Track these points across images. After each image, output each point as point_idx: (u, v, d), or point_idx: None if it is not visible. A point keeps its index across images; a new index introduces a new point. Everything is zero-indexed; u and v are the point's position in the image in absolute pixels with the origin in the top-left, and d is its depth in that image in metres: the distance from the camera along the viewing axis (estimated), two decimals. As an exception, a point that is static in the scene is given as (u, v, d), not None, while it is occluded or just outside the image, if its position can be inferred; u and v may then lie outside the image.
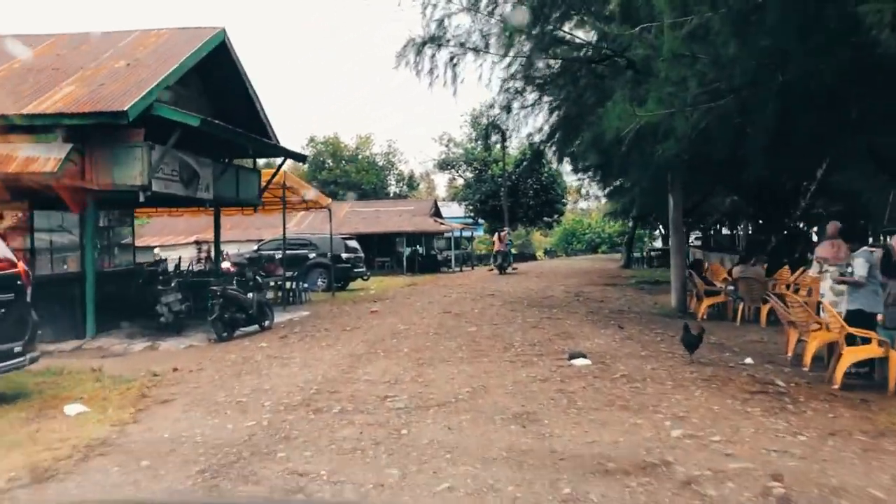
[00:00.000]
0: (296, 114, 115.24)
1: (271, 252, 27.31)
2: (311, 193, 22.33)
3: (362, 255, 28.18)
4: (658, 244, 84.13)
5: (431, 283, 26.22)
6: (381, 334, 11.92)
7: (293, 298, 20.17)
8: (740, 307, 13.59)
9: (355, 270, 26.94)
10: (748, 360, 9.12)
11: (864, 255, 8.37)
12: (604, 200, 56.58)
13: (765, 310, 13.19)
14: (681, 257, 15.35)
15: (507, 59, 14.53)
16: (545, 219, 56.46)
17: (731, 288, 14.23)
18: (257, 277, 13.73)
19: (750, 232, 27.47)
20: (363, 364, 9.16)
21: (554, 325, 12.58)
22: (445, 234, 42.12)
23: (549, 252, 71.98)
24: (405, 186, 60.57)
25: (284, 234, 19.51)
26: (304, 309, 17.92)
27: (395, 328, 12.70)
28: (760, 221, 23.44)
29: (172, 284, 13.32)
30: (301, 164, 17.69)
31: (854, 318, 8.08)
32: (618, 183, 22.29)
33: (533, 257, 57.95)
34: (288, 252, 27.56)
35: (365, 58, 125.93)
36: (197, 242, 43.32)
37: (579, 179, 31.89)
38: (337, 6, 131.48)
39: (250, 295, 13.54)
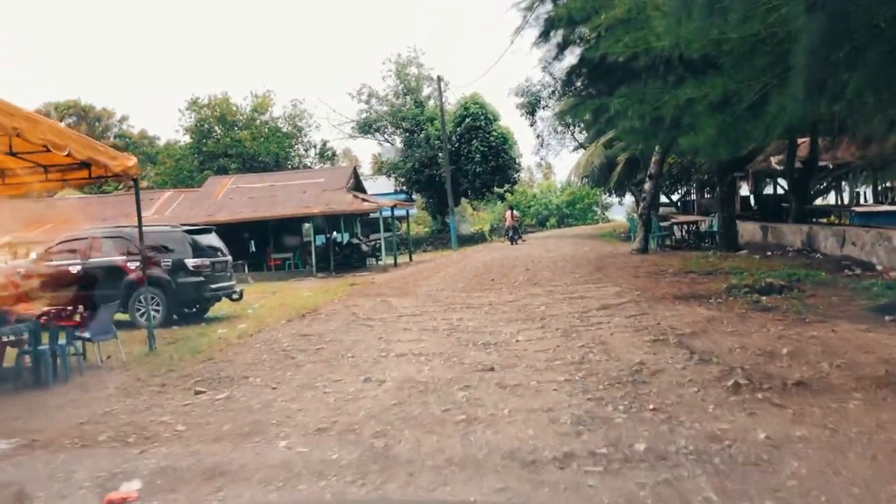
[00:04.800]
0: (177, 72, 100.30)
1: (65, 264, 15.47)
2: (97, 151, 10.72)
3: (228, 258, 16.50)
4: (618, 214, 74.30)
5: (350, 301, 14.85)
6: None
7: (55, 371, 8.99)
8: None
9: (213, 287, 15.35)
10: None
11: None
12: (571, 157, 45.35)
13: None
14: None
15: None
16: (495, 189, 45.46)
17: None
18: None
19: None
20: None
21: None
22: (371, 215, 30.69)
23: (496, 229, 61.18)
24: (318, 158, 48.53)
25: None
26: (36, 414, 6.68)
27: None
28: None
29: None
30: None
31: None
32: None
33: (482, 238, 46.93)
34: (90, 262, 15.89)
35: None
36: None
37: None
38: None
39: None
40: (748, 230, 20.71)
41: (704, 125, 11.18)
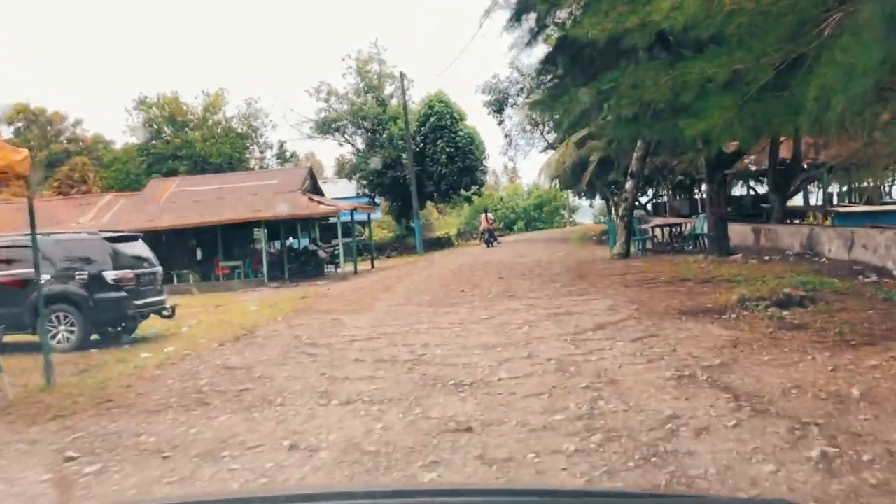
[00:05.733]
0: (134, 76, 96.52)
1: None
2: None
3: (157, 269, 14.32)
4: (585, 218, 72.57)
5: (296, 319, 12.77)
6: None
7: None
8: None
9: (139, 303, 13.20)
10: None
11: None
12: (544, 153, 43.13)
13: None
14: None
15: None
16: (462, 192, 43.49)
17: None
18: None
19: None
20: None
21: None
22: (332, 219, 28.58)
23: (462, 233, 59.26)
24: (275, 159, 46.14)
25: None
26: None
27: None
28: None
29: None
30: None
31: None
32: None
33: (448, 242, 44.98)
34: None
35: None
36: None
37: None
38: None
39: None
40: (738, 232, 19.07)
41: (714, 107, 9.35)
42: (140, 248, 14.21)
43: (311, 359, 8.08)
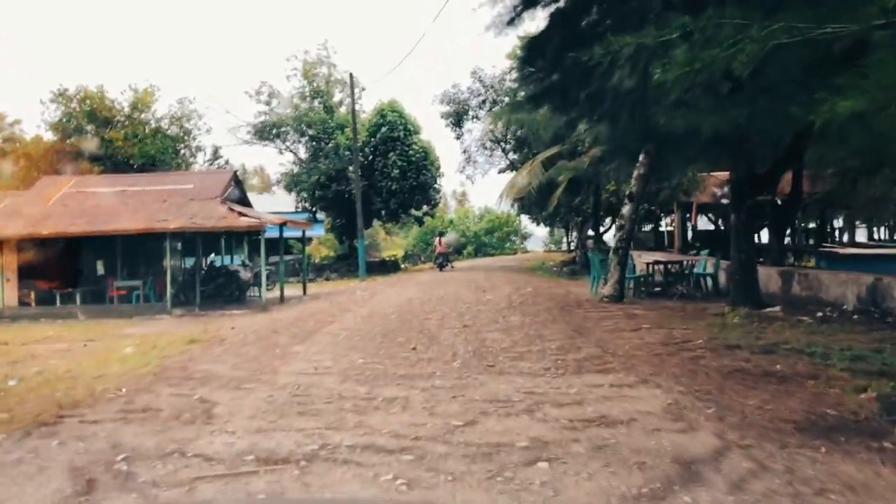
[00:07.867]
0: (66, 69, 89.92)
1: None
2: None
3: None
4: (534, 245, 68.44)
5: (152, 390, 8.29)
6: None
7: None
8: None
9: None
10: None
11: None
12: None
13: None
14: None
15: None
16: (413, 211, 39.30)
17: None
18: None
19: None
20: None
21: None
22: (258, 235, 23.90)
23: (410, 256, 55.03)
24: (207, 165, 41.17)
25: None
26: None
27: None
28: None
29: None
30: None
31: None
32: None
33: (395, 266, 40.60)
34: None
35: None
36: None
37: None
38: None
39: None
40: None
41: (881, 70, 5.31)
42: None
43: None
